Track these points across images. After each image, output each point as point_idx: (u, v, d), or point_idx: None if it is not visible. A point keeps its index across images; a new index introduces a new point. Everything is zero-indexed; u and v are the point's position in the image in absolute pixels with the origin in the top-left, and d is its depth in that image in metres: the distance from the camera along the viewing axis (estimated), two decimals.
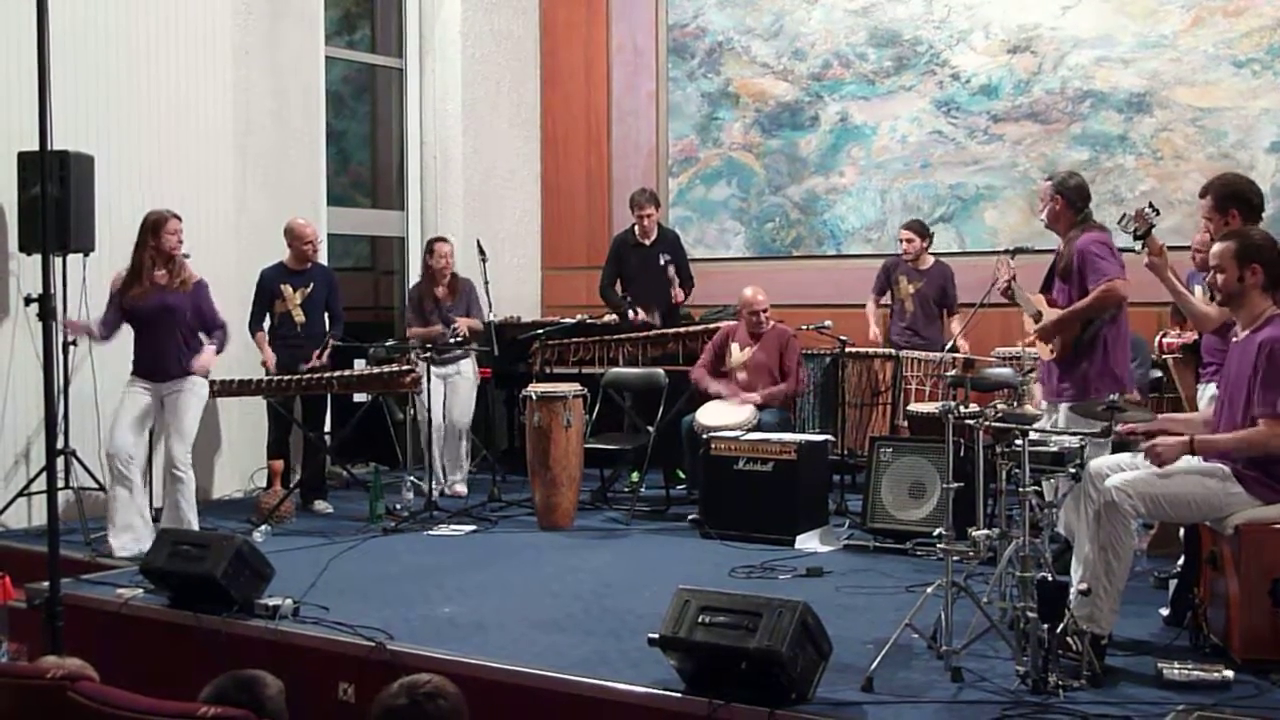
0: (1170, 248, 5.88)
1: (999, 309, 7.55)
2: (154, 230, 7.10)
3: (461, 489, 8.85)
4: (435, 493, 8.18)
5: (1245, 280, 4.84)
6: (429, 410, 8.51)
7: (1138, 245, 5.68)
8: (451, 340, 8.51)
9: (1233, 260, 4.85)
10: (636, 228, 9.36)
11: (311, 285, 8.47)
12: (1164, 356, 7.13)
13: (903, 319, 9.00)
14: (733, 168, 10.78)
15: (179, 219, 7.18)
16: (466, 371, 8.99)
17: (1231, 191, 5.54)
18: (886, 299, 9.13)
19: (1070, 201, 6.12)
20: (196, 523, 7.15)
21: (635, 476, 8.68)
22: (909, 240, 8.96)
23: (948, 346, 7.89)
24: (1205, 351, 5.67)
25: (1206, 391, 5.56)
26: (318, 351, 8.36)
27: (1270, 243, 4.92)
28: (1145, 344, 7.34)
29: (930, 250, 9.08)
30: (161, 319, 7.12)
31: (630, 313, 9.17)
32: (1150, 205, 5.63)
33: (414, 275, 10.36)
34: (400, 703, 3.07)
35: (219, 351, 7.37)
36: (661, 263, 9.26)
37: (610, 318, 9.44)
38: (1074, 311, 5.98)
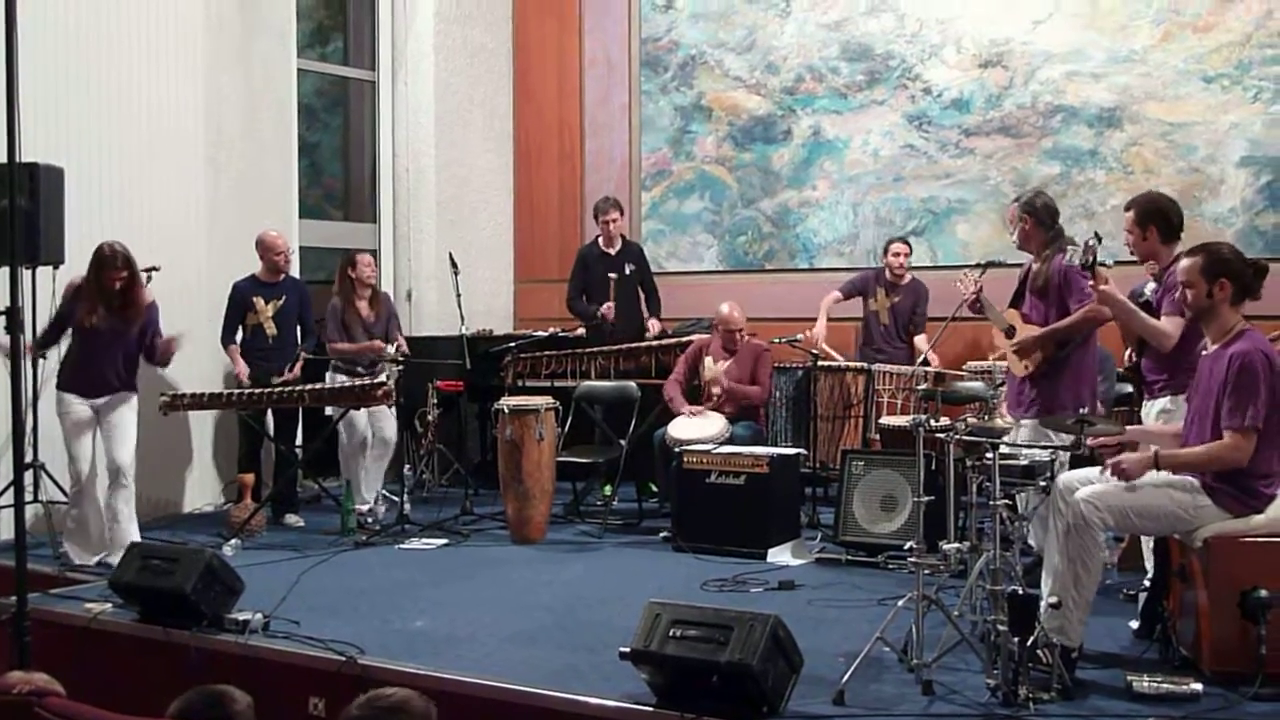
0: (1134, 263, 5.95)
1: (970, 323, 7.60)
2: (96, 267, 7.06)
3: (379, 509, 8.59)
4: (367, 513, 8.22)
5: (1214, 295, 4.87)
6: (368, 426, 8.49)
7: (1087, 274, 5.71)
8: (400, 359, 8.38)
9: (1200, 276, 4.89)
10: (601, 237, 9.38)
11: (284, 298, 8.46)
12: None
13: (876, 331, 9.04)
14: (705, 181, 10.79)
15: (119, 268, 7.02)
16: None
17: (1154, 209, 5.66)
18: (850, 308, 9.18)
19: (1039, 220, 6.15)
20: (137, 531, 7.15)
21: (608, 490, 8.68)
22: (906, 254, 9.04)
23: (919, 360, 7.91)
24: (1146, 370, 5.69)
25: (1154, 408, 5.58)
26: (288, 366, 8.35)
27: (1237, 256, 4.96)
28: (1112, 359, 7.37)
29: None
30: (110, 341, 7.14)
31: (599, 315, 9.16)
32: (1095, 235, 5.68)
33: (386, 288, 10.35)
34: (362, 714, 3.06)
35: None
36: (627, 271, 9.26)
37: (581, 331, 9.43)
38: (1055, 330, 6.00)
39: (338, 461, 8.74)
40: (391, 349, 8.38)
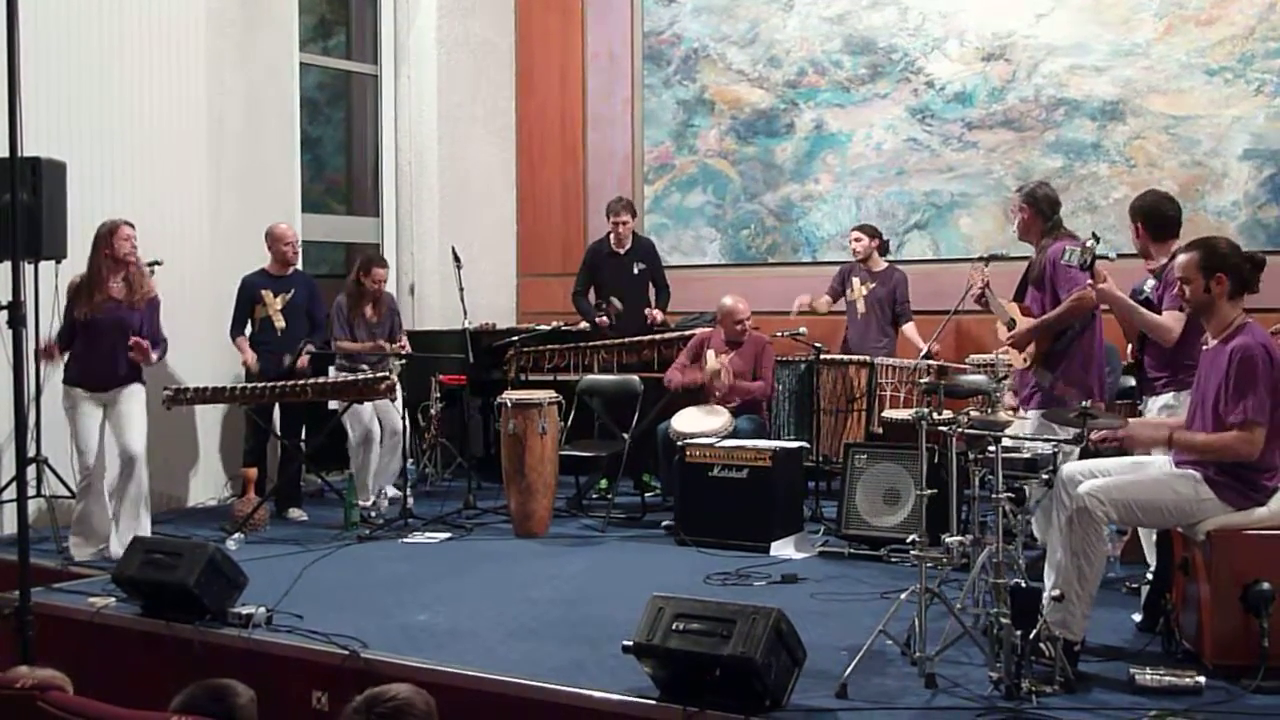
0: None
1: (973, 315, 7.60)
2: (107, 237, 7.11)
3: (392, 494, 8.53)
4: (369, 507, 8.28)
5: (1212, 290, 4.87)
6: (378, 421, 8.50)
7: (1085, 275, 5.71)
8: (401, 358, 8.44)
9: (1197, 271, 4.89)
10: (611, 236, 9.34)
11: (293, 290, 8.47)
12: None
13: (854, 322, 9.07)
14: (708, 175, 10.78)
15: (131, 226, 7.16)
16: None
17: (1140, 206, 5.80)
18: (840, 305, 9.20)
19: (1039, 210, 6.17)
20: (148, 523, 7.21)
21: (604, 484, 8.68)
22: (857, 240, 9.09)
23: (922, 353, 7.90)
24: (1148, 367, 5.69)
25: (1156, 404, 5.59)
26: (294, 355, 8.33)
27: (1234, 250, 4.95)
28: (1117, 352, 7.37)
29: (888, 257, 9.25)
30: (116, 332, 7.12)
31: (599, 318, 9.12)
32: (1094, 235, 5.69)
33: (389, 283, 10.31)
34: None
35: (157, 361, 7.42)
36: (636, 271, 9.25)
37: (584, 325, 9.42)
38: (1046, 321, 6.04)
39: (341, 456, 8.75)
40: (392, 348, 8.49)
